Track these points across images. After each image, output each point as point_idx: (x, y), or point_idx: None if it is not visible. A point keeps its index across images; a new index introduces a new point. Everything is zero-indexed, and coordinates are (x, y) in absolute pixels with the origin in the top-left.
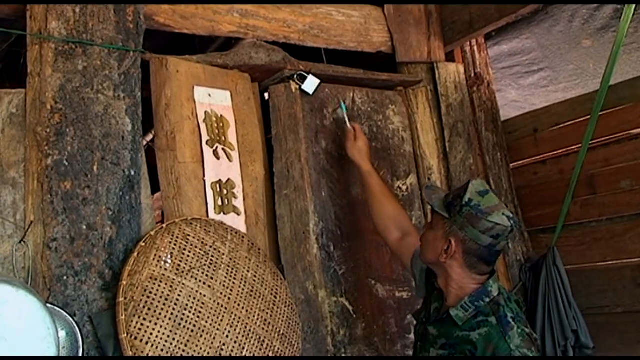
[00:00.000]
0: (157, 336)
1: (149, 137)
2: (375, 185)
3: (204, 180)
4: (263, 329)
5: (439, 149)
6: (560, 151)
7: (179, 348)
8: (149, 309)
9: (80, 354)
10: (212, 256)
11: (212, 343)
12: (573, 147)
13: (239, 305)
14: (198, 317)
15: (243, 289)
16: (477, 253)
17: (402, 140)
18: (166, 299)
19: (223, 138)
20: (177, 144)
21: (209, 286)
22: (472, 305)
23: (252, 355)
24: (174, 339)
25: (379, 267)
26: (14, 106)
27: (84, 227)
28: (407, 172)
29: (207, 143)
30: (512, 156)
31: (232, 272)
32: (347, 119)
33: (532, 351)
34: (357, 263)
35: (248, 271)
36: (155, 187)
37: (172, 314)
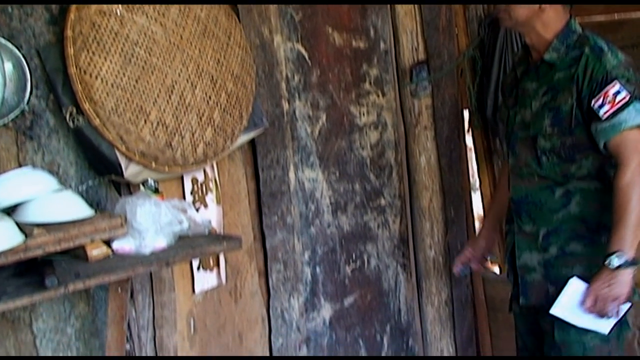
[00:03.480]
0: (106, 71)
1: None
2: (501, 202)
3: None
4: (216, 69)
5: None
6: None
7: (130, 84)
8: (98, 44)
9: (29, 88)
10: None
11: (163, 81)
12: None
13: (191, 44)
14: (149, 54)
15: (196, 28)
16: None
17: None
18: (116, 34)
19: None
20: None
21: (161, 24)
22: (562, 44)
23: (204, 94)
24: (124, 75)
25: (337, 15)
26: None
27: None
28: None
29: None
30: None
31: (184, 10)
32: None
33: (628, 72)
34: (315, 9)
35: (201, 10)
36: None
37: (122, 49)
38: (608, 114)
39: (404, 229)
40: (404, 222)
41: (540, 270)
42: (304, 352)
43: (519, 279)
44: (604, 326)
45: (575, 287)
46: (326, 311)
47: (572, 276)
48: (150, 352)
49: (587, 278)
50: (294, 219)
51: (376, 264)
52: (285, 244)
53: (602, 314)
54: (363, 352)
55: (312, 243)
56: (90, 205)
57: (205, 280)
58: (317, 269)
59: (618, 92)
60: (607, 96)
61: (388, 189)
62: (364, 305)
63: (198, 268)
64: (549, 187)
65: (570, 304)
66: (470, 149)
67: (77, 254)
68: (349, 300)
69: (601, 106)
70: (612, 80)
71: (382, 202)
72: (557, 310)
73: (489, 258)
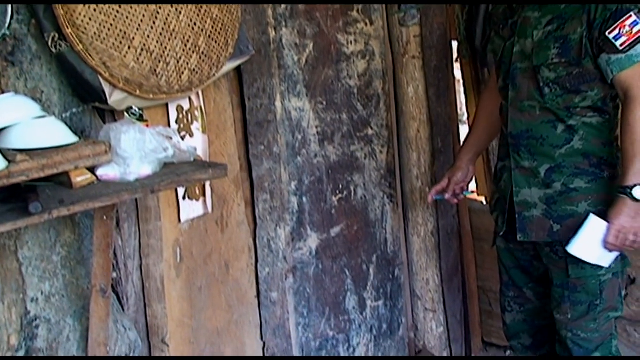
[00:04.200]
0: None
1: None
2: (480, 133)
3: None
4: None
5: None
6: None
7: (113, 9)
8: None
9: (10, 12)
10: None
11: (147, 6)
12: None
13: None
14: None
15: None
16: None
17: None
18: None
19: None
20: None
21: None
22: None
23: (188, 19)
24: None
25: None
26: None
27: None
28: None
29: None
30: None
31: None
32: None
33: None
34: None
35: None
36: None
37: None
38: (625, 45)
39: (391, 159)
40: (391, 153)
41: (541, 206)
42: (290, 282)
43: (517, 216)
44: (608, 260)
45: (594, 224)
46: (313, 241)
47: (587, 213)
48: (136, 281)
49: (596, 214)
50: (280, 149)
51: (363, 194)
52: (271, 174)
53: (621, 249)
54: (349, 282)
55: (299, 173)
56: (75, 132)
57: (191, 209)
58: (304, 199)
59: (635, 23)
60: (624, 27)
61: (375, 119)
62: (351, 235)
63: (184, 197)
64: (551, 121)
65: (588, 242)
66: (459, 81)
67: (61, 180)
68: (335, 230)
69: (617, 37)
70: (627, 11)
71: (370, 132)
72: (575, 248)
73: (464, 193)
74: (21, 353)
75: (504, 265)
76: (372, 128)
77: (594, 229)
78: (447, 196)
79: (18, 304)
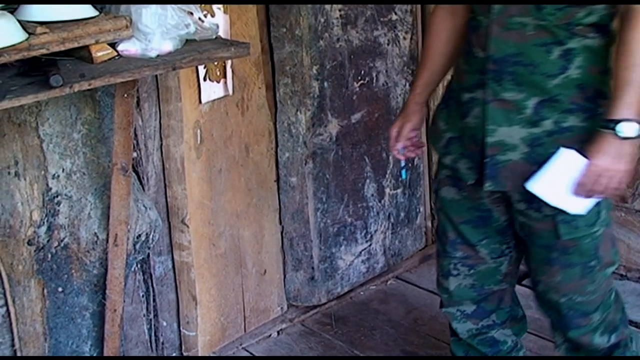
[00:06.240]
0: None
1: None
2: (435, 66)
3: None
4: None
5: None
6: None
7: None
8: None
9: None
10: None
11: None
12: None
13: None
14: None
15: None
16: None
17: None
18: None
19: None
20: None
21: None
22: None
23: None
24: None
25: None
26: None
27: None
28: None
29: None
30: None
31: None
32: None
33: None
34: None
35: None
36: None
37: None
38: None
39: (414, 46)
40: (414, 39)
41: (522, 149)
42: (310, 167)
43: (487, 160)
44: (582, 206)
45: (569, 159)
46: (333, 127)
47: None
48: (157, 161)
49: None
50: (302, 32)
51: (384, 81)
52: (293, 57)
53: (600, 193)
54: (368, 169)
55: (321, 57)
56: (94, 7)
57: (212, 90)
58: (325, 84)
59: None
60: None
61: (399, 4)
62: (371, 122)
63: (204, 78)
64: (546, 44)
65: (558, 179)
66: None
67: (82, 55)
68: (356, 117)
69: None
70: None
71: (394, 17)
72: (537, 186)
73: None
74: (43, 229)
75: (450, 221)
76: (396, 13)
77: (567, 164)
78: (407, 153)
79: (40, 180)
